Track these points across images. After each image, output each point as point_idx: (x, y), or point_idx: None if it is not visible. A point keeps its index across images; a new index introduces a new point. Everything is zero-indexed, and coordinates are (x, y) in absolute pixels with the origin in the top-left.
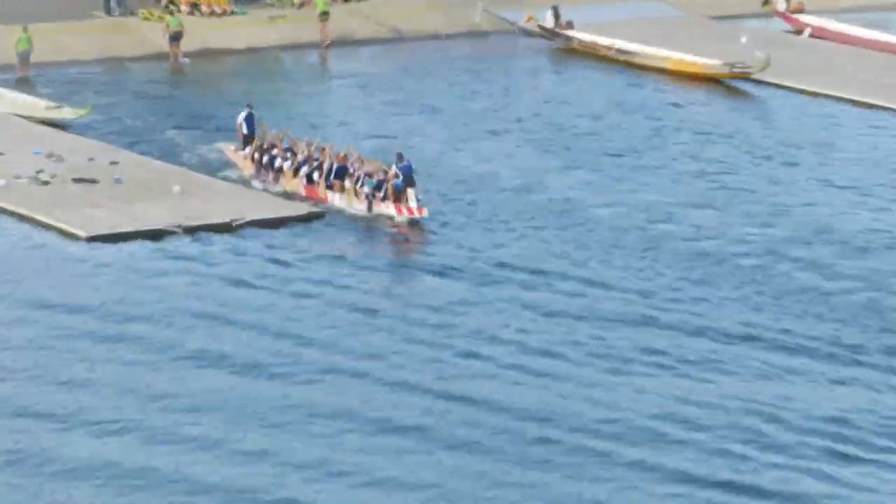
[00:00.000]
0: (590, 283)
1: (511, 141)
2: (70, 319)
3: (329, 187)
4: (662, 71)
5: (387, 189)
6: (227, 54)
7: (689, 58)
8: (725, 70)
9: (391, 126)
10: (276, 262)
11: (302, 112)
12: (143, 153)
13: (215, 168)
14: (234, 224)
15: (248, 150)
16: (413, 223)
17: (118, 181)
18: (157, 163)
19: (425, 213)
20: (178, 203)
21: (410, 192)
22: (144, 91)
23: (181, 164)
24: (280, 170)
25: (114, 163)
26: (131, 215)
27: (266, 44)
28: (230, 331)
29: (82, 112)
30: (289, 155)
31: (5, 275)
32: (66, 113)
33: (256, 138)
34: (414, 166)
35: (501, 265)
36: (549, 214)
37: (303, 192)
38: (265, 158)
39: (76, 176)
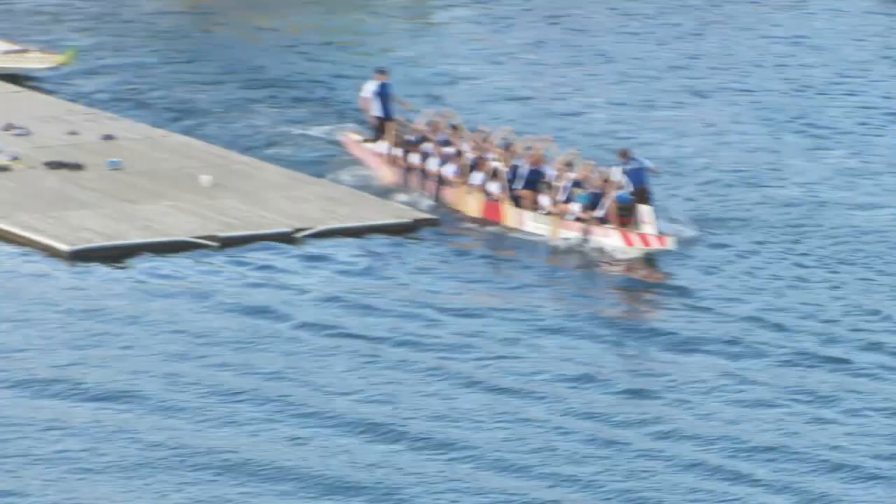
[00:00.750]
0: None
1: (726, 106)
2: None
3: (515, 200)
4: None
5: (606, 206)
6: None
7: None
8: None
9: (535, 82)
10: (359, 306)
11: (397, 62)
12: (152, 124)
13: (269, 145)
14: (297, 236)
15: (383, 144)
16: (648, 259)
17: (115, 166)
18: (178, 138)
19: (669, 243)
20: (209, 202)
21: (645, 211)
22: (154, 28)
23: (212, 140)
24: (439, 174)
25: (108, 138)
26: (134, 219)
27: None
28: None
29: (60, 59)
30: (450, 151)
31: None
32: (35, 60)
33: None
34: (651, 165)
35: (746, 320)
36: (791, 225)
37: (479, 211)
38: (412, 157)
39: (51, 159)
